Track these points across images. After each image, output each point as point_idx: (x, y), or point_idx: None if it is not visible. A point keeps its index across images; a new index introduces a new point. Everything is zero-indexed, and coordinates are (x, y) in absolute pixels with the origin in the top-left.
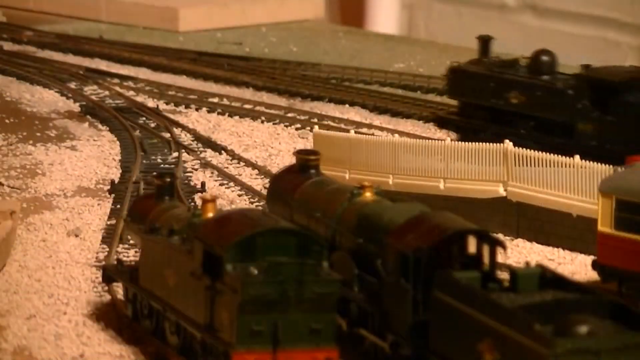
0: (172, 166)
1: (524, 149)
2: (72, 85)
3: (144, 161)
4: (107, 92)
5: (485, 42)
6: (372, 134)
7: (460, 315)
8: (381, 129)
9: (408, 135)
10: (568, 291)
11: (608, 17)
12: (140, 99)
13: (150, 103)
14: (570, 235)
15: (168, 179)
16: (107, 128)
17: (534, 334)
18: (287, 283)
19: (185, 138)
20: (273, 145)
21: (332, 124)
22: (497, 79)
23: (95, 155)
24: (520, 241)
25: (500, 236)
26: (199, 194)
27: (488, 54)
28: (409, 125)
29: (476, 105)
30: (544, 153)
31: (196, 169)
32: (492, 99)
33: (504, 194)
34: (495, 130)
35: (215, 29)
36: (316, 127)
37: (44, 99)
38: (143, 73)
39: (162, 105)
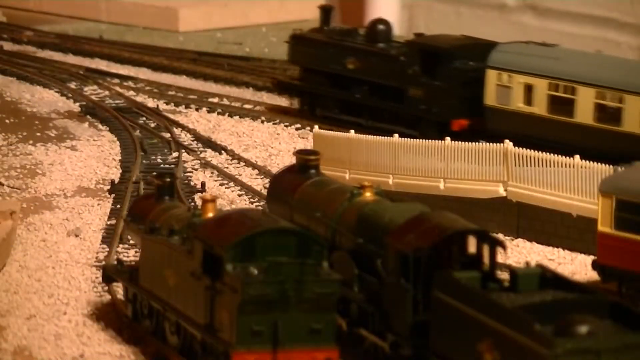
0: (172, 166)
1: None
2: (72, 85)
3: (144, 161)
4: (107, 92)
5: (326, 11)
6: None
7: (460, 315)
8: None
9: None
10: (568, 291)
11: (608, 17)
12: (140, 99)
13: (150, 103)
14: (570, 235)
15: (168, 179)
16: (107, 128)
17: (534, 334)
18: (287, 283)
19: (185, 138)
20: (273, 145)
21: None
22: (335, 45)
23: (95, 155)
24: (520, 241)
25: (500, 236)
26: (199, 194)
27: (329, 23)
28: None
29: (316, 71)
30: (544, 153)
31: (196, 169)
32: (330, 64)
33: (504, 194)
34: (334, 95)
35: (215, 29)
36: (316, 127)
37: (44, 99)
38: (143, 73)
39: (162, 105)
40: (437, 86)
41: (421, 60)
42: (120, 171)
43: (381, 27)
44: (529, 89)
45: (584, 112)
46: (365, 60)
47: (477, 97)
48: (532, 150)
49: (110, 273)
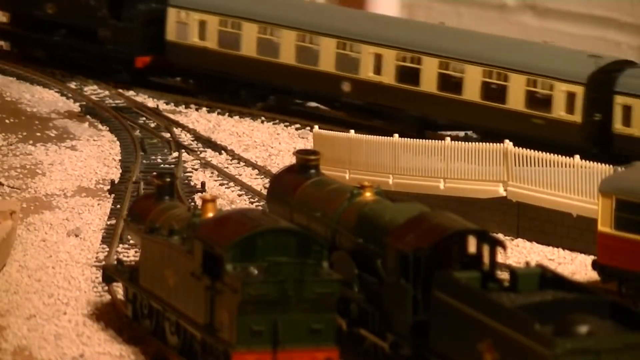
0: (172, 166)
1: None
2: (72, 85)
3: (144, 161)
4: (107, 92)
5: None
6: None
7: (460, 315)
8: None
9: None
10: (568, 291)
11: (608, 17)
12: (140, 99)
13: (150, 103)
14: (570, 235)
15: (168, 179)
16: (107, 128)
17: (534, 334)
18: (287, 283)
19: (185, 138)
20: (273, 145)
21: None
22: None
23: (95, 155)
24: (520, 241)
25: (500, 236)
26: (199, 194)
27: None
28: None
29: (22, 16)
30: (544, 153)
31: (196, 169)
32: (34, 10)
33: (504, 194)
34: (38, 38)
35: None
36: (316, 127)
37: (44, 99)
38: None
39: (162, 105)
40: (121, 27)
41: (109, 3)
42: (120, 171)
43: None
44: (202, 25)
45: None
46: (62, 5)
47: (160, 35)
48: (532, 151)
49: (110, 273)
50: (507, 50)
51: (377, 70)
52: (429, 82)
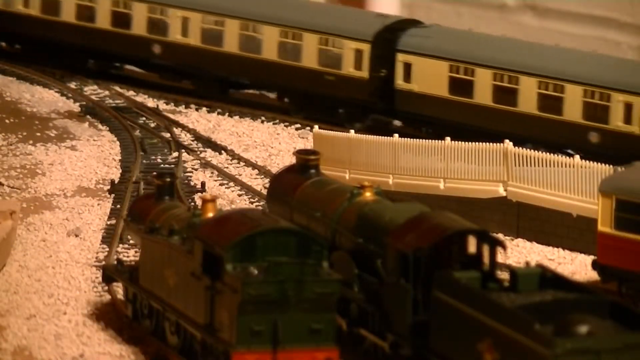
0: (172, 166)
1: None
2: (72, 85)
3: (144, 161)
4: (107, 92)
5: None
6: None
7: (460, 315)
8: None
9: None
10: (568, 291)
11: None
12: (140, 99)
13: (150, 103)
14: (570, 235)
15: (168, 179)
16: (107, 128)
17: (534, 334)
18: (287, 283)
19: (185, 138)
20: (273, 145)
21: None
22: None
23: (95, 155)
24: (520, 241)
25: (500, 236)
26: (199, 194)
27: None
28: None
29: None
30: (544, 153)
31: (196, 169)
32: None
33: (504, 194)
34: None
35: None
36: (316, 127)
37: (44, 99)
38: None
39: (162, 105)
40: None
41: None
42: (120, 171)
43: None
44: None
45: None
46: None
47: None
48: (532, 151)
49: (110, 273)
50: (300, 13)
51: (185, 32)
52: (231, 44)
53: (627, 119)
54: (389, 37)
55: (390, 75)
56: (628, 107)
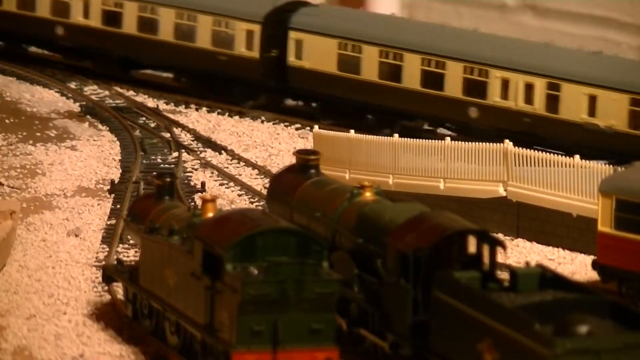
0: (172, 166)
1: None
2: (72, 85)
3: (144, 161)
4: (107, 92)
5: None
6: None
7: (460, 315)
8: None
9: None
10: (568, 291)
11: (608, 17)
12: (140, 99)
13: (150, 103)
14: (570, 235)
15: (168, 179)
16: (107, 128)
17: (534, 334)
18: (287, 283)
19: (185, 138)
20: (273, 145)
21: None
22: None
23: (95, 155)
24: (520, 241)
25: (500, 236)
26: (199, 194)
27: None
28: None
29: None
30: (544, 153)
31: (196, 169)
32: None
33: (504, 194)
34: None
35: None
36: (316, 127)
37: (44, 99)
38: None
39: (162, 105)
40: None
41: None
42: (120, 171)
43: None
44: None
45: None
46: None
47: None
48: (532, 151)
49: (110, 273)
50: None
51: (86, 15)
52: (129, 25)
53: (504, 95)
54: (280, 18)
55: (282, 54)
56: (505, 83)
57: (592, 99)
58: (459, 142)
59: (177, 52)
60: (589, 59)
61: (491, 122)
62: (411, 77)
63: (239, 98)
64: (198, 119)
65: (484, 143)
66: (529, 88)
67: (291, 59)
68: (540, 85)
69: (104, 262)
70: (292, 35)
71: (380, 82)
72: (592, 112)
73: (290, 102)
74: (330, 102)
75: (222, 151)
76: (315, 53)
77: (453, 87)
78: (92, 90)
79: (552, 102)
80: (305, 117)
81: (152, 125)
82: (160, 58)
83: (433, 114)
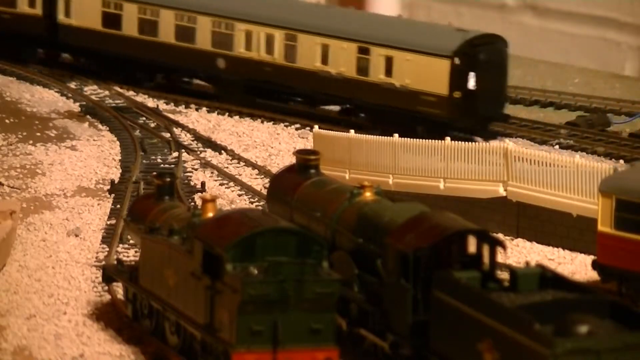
0: (172, 166)
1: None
2: (72, 85)
3: (144, 161)
4: (107, 92)
5: None
6: None
7: (460, 315)
8: None
9: None
10: (568, 291)
11: (608, 17)
12: (140, 99)
13: (150, 103)
14: (570, 235)
15: (168, 179)
16: (107, 128)
17: (534, 334)
18: (287, 283)
19: (185, 138)
20: (273, 145)
21: None
22: None
23: (95, 155)
24: (520, 241)
25: (500, 236)
26: (199, 194)
27: None
28: None
29: None
30: (544, 153)
31: (196, 169)
32: None
33: (504, 194)
34: None
35: None
36: (316, 127)
37: (44, 99)
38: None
39: (162, 105)
40: None
41: None
42: (120, 171)
43: None
44: None
45: None
46: None
47: None
48: (533, 151)
49: (110, 273)
50: None
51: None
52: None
53: (248, 46)
54: None
55: (53, 12)
56: (248, 35)
57: (325, 48)
58: (459, 142)
59: None
60: (323, 12)
61: (237, 72)
62: (166, 32)
63: (24, 55)
64: (198, 119)
65: (484, 143)
66: (270, 39)
67: (60, 17)
68: (279, 37)
69: (104, 262)
70: None
71: (140, 37)
72: (325, 60)
73: (66, 56)
74: (96, 57)
75: (222, 151)
76: (81, 11)
77: (203, 40)
78: (92, 90)
79: (290, 52)
80: (305, 117)
81: (152, 125)
82: None
83: (186, 66)
